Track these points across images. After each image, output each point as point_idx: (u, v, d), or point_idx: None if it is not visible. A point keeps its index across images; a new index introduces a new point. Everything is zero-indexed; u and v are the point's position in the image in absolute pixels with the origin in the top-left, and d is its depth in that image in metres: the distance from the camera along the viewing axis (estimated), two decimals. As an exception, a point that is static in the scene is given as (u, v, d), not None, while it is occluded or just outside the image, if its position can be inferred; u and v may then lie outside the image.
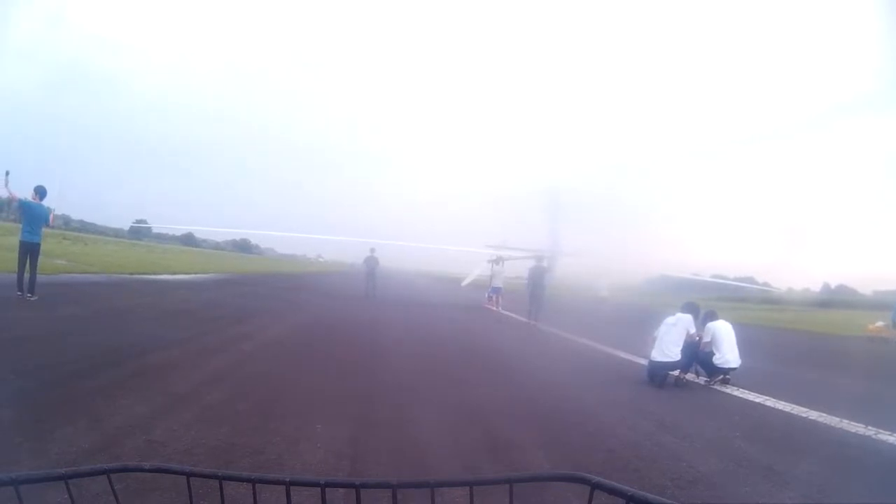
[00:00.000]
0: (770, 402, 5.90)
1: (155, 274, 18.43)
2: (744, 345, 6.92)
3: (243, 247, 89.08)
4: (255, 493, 0.74)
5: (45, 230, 9.17)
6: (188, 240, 75.84)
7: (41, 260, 9.23)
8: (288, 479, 0.72)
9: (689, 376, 6.90)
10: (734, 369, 6.66)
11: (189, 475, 0.76)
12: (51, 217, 9.18)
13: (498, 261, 19.61)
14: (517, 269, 21.90)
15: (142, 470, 0.82)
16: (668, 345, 6.57)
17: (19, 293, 8.45)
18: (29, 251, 8.62)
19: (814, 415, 5.34)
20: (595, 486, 0.70)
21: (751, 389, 6.42)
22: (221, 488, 0.76)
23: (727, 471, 3.61)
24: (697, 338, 6.77)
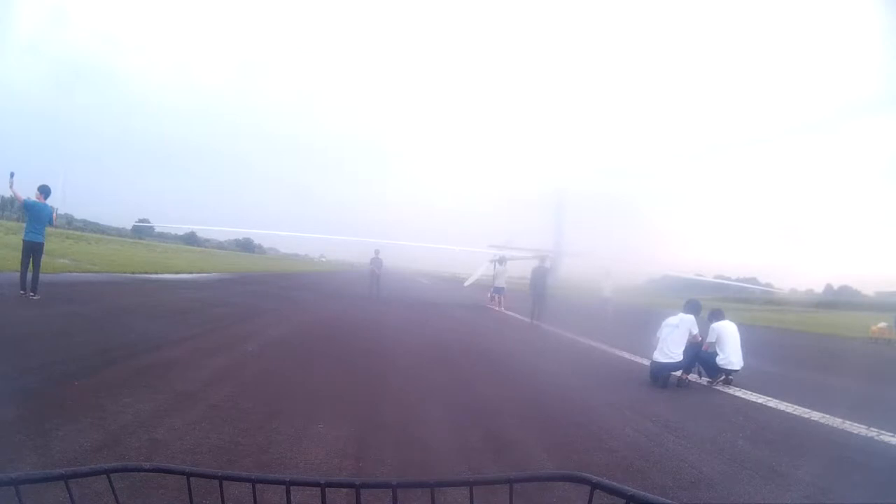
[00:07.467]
0: (772, 403, 5.88)
1: (157, 273, 18.44)
2: (746, 346, 6.90)
3: (246, 246, 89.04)
4: (255, 493, 0.74)
5: (48, 229, 9.20)
6: (191, 239, 75.89)
7: (44, 259, 9.26)
8: (288, 479, 0.72)
9: (692, 377, 6.88)
10: (737, 371, 6.64)
11: (189, 475, 0.76)
12: (54, 216, 9.22)
13: (501, 261, 19.57)
14: (520, 270, 21.87)
15: (142, 470, 0.82)
16: (670, 346, 6.56)
17: (22, 292, 8.48)
18: (32, 250, 8.66)
19: (816, 416, 5.32)
20: (595, 486, 0.69)
21: (753, 390, 6.40)
22: (221, 488, 0.75)
23: (730, 472, 3.60)
24: (699, 339, 6.76)
